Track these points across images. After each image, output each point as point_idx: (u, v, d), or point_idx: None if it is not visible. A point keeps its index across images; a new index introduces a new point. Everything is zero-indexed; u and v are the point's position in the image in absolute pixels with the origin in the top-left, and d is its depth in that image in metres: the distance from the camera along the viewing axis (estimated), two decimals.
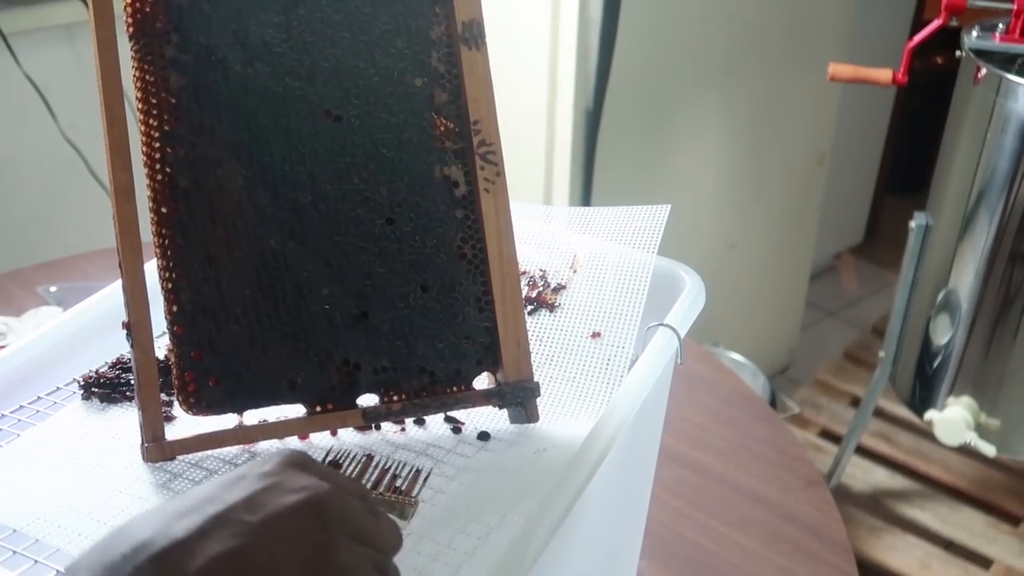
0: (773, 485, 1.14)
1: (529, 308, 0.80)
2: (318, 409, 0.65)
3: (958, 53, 1.72)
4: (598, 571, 0.80)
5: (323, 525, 0.45)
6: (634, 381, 0.69)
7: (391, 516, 0.51)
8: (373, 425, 0.69)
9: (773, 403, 2.24)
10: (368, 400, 0.66)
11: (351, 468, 0.64)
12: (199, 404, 0.63)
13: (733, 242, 2.33)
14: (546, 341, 0.78)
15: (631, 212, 0.84)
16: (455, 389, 0.68)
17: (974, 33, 1.71)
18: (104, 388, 0.71)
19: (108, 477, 0.63)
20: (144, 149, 0.62)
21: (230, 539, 0.42)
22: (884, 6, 2.77)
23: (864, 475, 2.30)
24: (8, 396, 0.70)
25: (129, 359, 0.70)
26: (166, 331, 0.63)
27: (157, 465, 0.64)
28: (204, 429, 0.64)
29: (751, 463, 1.18)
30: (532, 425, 0.70)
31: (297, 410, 0.66)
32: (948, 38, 1.81)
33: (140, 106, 0.61)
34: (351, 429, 0.68)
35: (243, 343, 0.63)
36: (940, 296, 1.86)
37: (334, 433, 0.68)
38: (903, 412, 2.29)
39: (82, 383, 0.72)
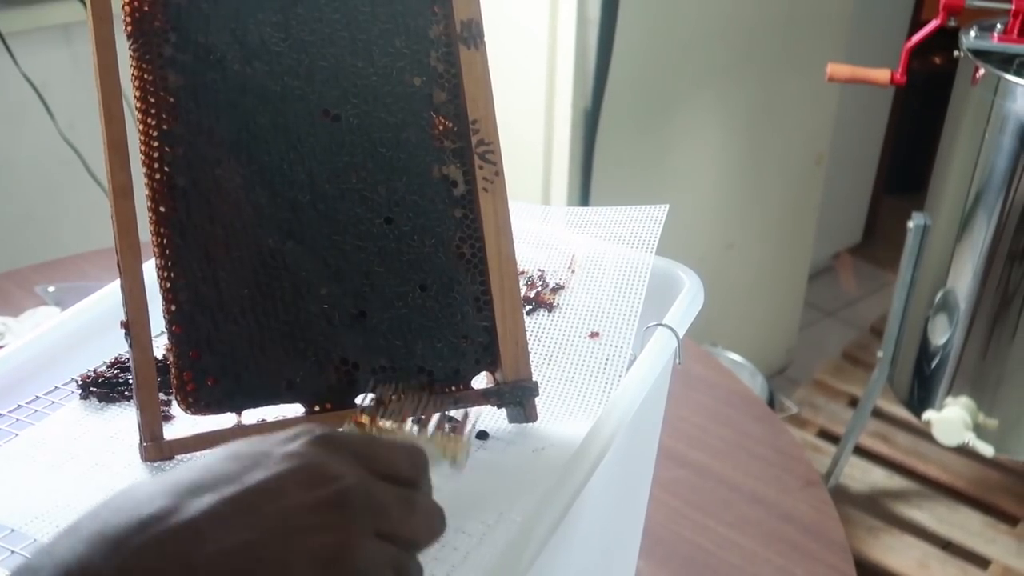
0: (771, 485, 1.14)
1: (527, 308, 0.80)
2: (317, 409, 0.65)
3: (956, 53, 1.72)
4: (596, 570, 0.80)
5: (346, 522, 0.41)
6: (632, 381, 0.69)
7: (442, 466, 0.50)
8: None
9: (771, 403, 2.24)
10: (366, 400, 0.66)
11: (396, 406, 0.62)
12: (197, 404, 0.63)
13: (731, 242, 2.33)
14: (544, 341, 0.78)
15: (629, 212, 0.84)
16: (454, 388, 0.68)
17: (972, 33, 1.71)
18: (102, 388, 0.71)
19: (106, 477, 0.63)
20: (142, 148, 0.61)
21: (245, 530, 0.39)
22: (882, 6, 2.77)
23: (862, 475, 2.30)
24: (6, 396, 0.70)
25: (127, 359, 0.70)
26: (164, 331, 0.63)
27: (155, 465, 0.64)
28: (202, 429, 0.64)
29: (749, 463, 1.18)
30: (530, 424, 0.70)
31: (296, 410, 0.66)
32: (946, 38, 1.81)
33: (138, 105, 0.61)
34: None
35: (241, 343, 0.63)
36: (938, 296, 1.86)
37: None
38: (901, 412, 2.29)
39: (80, 383, 0.72)
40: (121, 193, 0.62)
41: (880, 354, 2.02)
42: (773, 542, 1.06)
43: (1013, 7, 1.64)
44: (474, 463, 0.67)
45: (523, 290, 0.82)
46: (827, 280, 3.13)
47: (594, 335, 0.77)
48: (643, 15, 1.82)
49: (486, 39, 0.67)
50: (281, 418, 0.65)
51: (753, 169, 2.28)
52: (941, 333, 1.87)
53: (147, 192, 0.62)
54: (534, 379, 0.69)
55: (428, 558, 0.58)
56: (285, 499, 0.40)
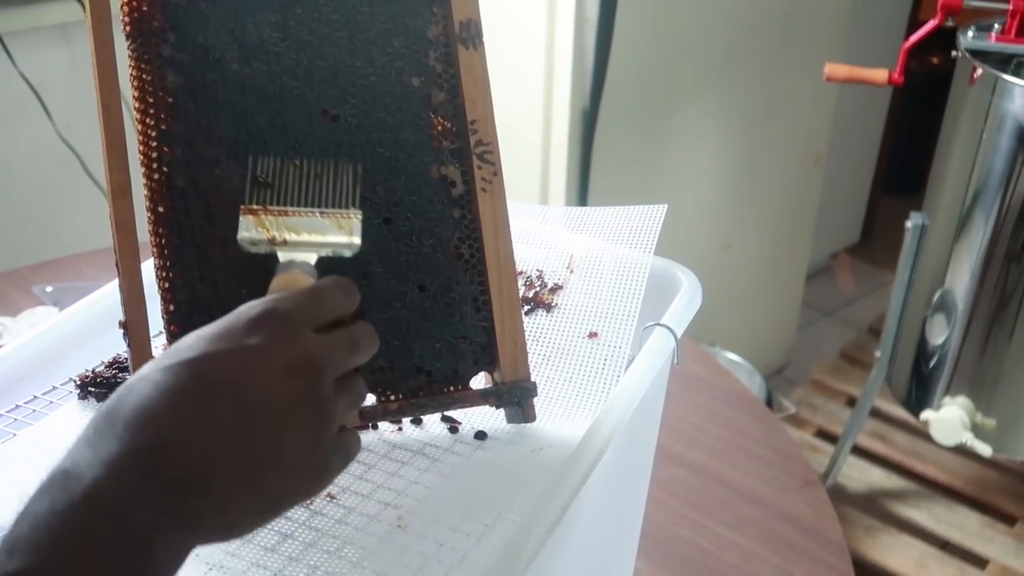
0: (769, 485, 1.15)
1: (526, 308, 0.80)
2: None
3: (954, 53, 1.72)
4: (595, 570, 0.80)
5: (314, 380, 0.51)
6: (631, 381, 0.69)
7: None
8: (370, 424, 0.69)
9: (769, 403, 2.25)
10: (365, 400, 0.66)
11: (284, 187, 0.61)
12: None
13: (729, 242, 2.33)
14: (543, 341, 0.78)
15: (628, 212, 0.84)
16: (452, 389, 0.68)
17: (970, 33, 1.71)
18: (101, 388, 0.71)
19: None
20: (141, 148, 0.61)
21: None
22: (880, 6, 2.77)
23: (860, 475, 2.30)
24: (4, 396, 0.70)
25: (126, 359, 0.70)
26: (163, 331, 0.63)
27: None
28: None
29: (747, 463, 1.18)
30: (529, 425, 0.70)
31: None
32: (944, 38, 1.81)
33: (137, 105, 0.61)
34: None
35: None
36: (936, 296, 1.86)
37: None
38: (899, 412, 2.30)
39: (79, 383, 0.72)
40: (119, 193, 0.62)
41: (878, 354, 2.02)
42: (771, 542, 1.06)
43: (1011, 7, 1.64)
44: (472, 463, 0.67)
45: (521, 290, 0.82)
46: (825, 280, 3.13)
47: (592, 335, 0.77)
48: (641, 15, 1.82)
49: (484, 38, 0.67)
50: None
51: (751, 169, 2.28)
52: (939, 333, 1.87)
53: (145, 192, 0.62)
54: (532, 379, 0.69)
55: (426, 558, 0.58)
56: (266, 366, 0.49)
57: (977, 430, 1.87)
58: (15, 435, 0.67)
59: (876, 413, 2.41)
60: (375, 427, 0.70)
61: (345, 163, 0.62)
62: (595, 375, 0.74)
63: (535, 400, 0.69)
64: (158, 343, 0.67)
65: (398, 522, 0.61)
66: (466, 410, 0.71)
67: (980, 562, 2.09)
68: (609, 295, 0.79)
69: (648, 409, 0.79)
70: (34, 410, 0.70)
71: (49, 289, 1.40)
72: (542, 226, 0.86)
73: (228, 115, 0.62)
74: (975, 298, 1.79)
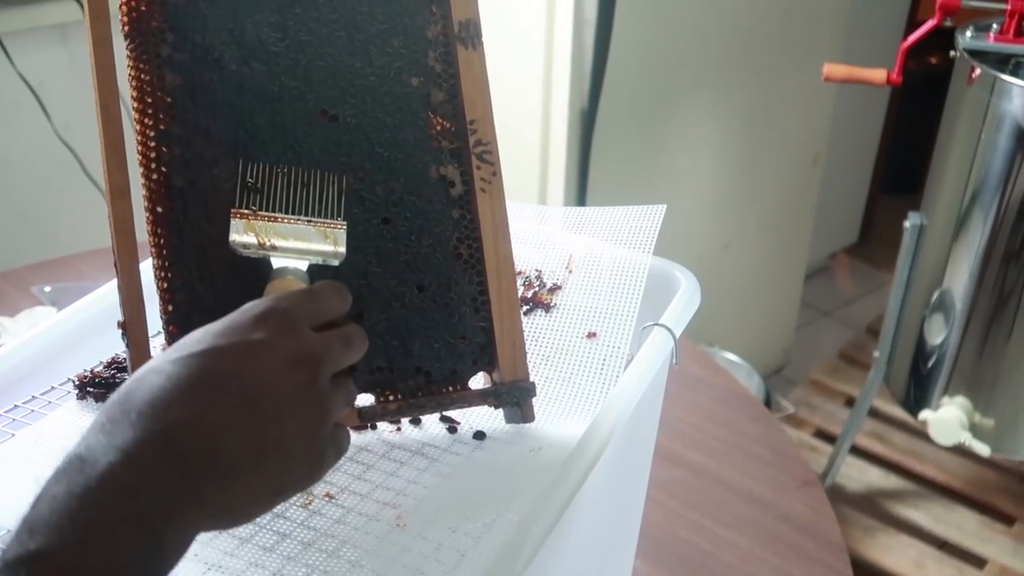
0: (768, 485, 1.15)
1: (525, 308, 0.80)
2: None
3: (952, 53, 1.72)
4: (593, 571, 0.80)
5: (313, 376, 0.54)
6: (629, 381, 0.69)
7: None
8: (369, 425, 0.69)
9: (768, 403, 2.25)
10: (364, 400, 0.66)
11: (273, 193, 0.63)
12: None
13: (728, 242, 2.33)
14: (542, 341, 0.78)
15: (627, 212, 0.83)
16: (451, 389, 0.68)
17: (968, 33, 1.71)
18: (99, 388, 0.71)
19: None
20: (139, 148, 0.61)
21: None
22: (879, 6, 2.78)
23: (859, 475, 2.30)
24: (3, 396, 0.70)
25: (124, 359, 0.70)
26: (161, 331, 0.63)
27: None
28: None
29: (746, 463, 1.18)
30: (528, 425, 0.70)
31: None
32: (942, 38, 1.81)
33: (135, 105, 0.61)
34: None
35: None
36: (934, 296, 1.86)
37: None
38: (898, 412, 2.30)
39: (77, 383, 0.72)
40: (118, 193, 0.62)
41: (876, 354, 2.02)
42: (770, 542, 1.06)
43: (1009, 7, 1.65)
44: (471, 463, 0.67)
45: (520, 290, 0.82)
46: (824, 280, 3.13)
47: (591, 335, 0.77)
48: (640, 15, 1.82)
49: (483, 38, 0.67)
50: None
51: (750, 169, 2.28)
52: (937, 333, 1.88)
53: (144, 192, 0.62)
54: (531, 379, 0.69)
55: (424, 558, 0.58)
56: (271, 356, 0.52)
57: (975, 430, 1.87)
58: (13, 435, 0.67)
59: (874, 413, 2.41)
60: (374, 427, 0.70)
61: (332, 174, 0.63)
62: (594, 375, 0.74)
63: (534, 400, 0.69)
64: (157, 343, 0.67)
65: (397, 522, 0.61)
66: (465, 410, 0.71)
67: (979, 562, 2.09)
68: (608, 295, 0.79)
69: (647, 409, 0.79)
70: (32, 410, 0.70)
71: (48, 289, 1.40)
72: (541, 226, 0.86)
73: (227, 115, 0.62)
74: (973, 298, 1.79)
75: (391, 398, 0.66)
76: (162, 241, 0.62)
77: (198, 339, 0.51)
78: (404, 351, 0.67)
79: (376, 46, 0.65)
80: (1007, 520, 2.19)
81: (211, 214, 0.62)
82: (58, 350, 0.74)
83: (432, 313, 0.67)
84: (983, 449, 1.86)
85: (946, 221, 1.81)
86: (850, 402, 2.51)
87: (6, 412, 0.69)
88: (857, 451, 2.34)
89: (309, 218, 0.62)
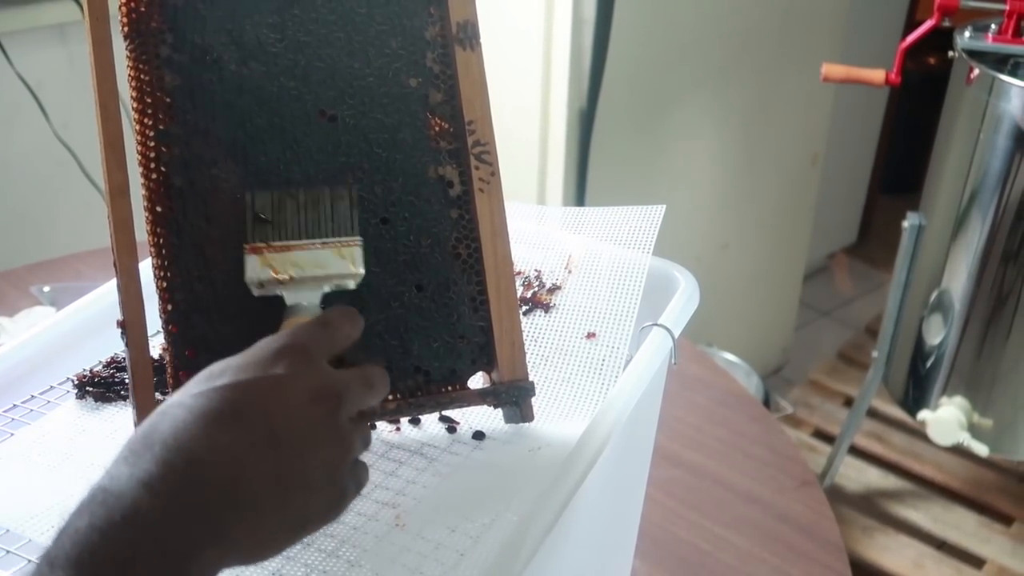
0: (767, 485, 1.15)
1: (524, 308, 0.81)
2: None
3: (951, 53, 1.73)
4: (592, 570, 0.80)
5: (334, 412, 0.54)
6: (628, 381, 0.69)
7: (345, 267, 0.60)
8: (368, 424, 0.69)
9: (767, 403, 2.25)
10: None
11: (284, 221, 0.62)
12: None
13: (727, 242, 2.33)
14: (541, 341, 0.78)
15: (626, 212, 0.84)
16: (450, 388, 0.68)
17: (967, 34, 1.71)
18: (98, 387, 0.71)
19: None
20: (139, 148, 0.61)
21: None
22: (877, 7, 2.78)
23: (857, 475, 2.30)
24: (2, 395, 0.70)
25: (123, 358, 0.70)
26: (160, 330, 0.63)
27: None
28: None
29: (745, 463, 1.18)
30: (527, 424, 0.70)
31: None
32: (941, 39, 1.81)
33: (135, 105, 0.61)
34: None
35: (238, 342, 0.63)
36: (933, 296, 1.86)
37: None
38: (896, 412, 2.30)
39: (76, 382, 0.72)
40: (118, 193, 0.62)
41: (875, 354, 2.02)
42: (769, 542, 1.07)
43: (1007, 7, 1.65)
44: (470, 463, 0.67)
45: (520, 291, 0.82)
46: (822, 280, 3.14)
47: (591, 335, 0.77)
48: (638, 15, 1.82)
49: (482, 38, 0.67)
50: None
51: (748, 169, 2.29)
52: (936, 333, 1.88)
53: (143, 192, 0.62)
54: (530, 379, 0.69)
55: (423, 557, 0.59)
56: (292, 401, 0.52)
57: (974, 430, 1.87)
58: (13, 435, 0.67)
59: (873, 413, 2.42)
60: (373, 427, 0.70)
61: (340, 188, 0.63)
62: (593, 375, 0.75)
63: (533, 400, 0.70)
64: (156, 343, 0.67)
65: (396, 521, 0.61)
66: (464, 410, 0.71)
67: (977, 562, 2.09)
68: (607, 295, 0.79)
69: (646, 409, 0.79)
70: (31, 410, 0.70)
71: (47, 289, 1.40)
72: (540, 226, 0.86)
73: (226, 115, 0.62)
74: (972, 298, 1.79)
75: (390, 397, 0.66)
76: (161, 241, 0.62)
77: (220, 373, 0.51)
78: (403, 350, 0.67)
79: (374, 47, 0.65)
80: (1006, 520, 2.19)
81: (210, 214, 0.62)
82: (57, 350, 0.74)
83: (431, 313, 0.67)
84: (981, 449, 1.86)
85: (945, 221, 1.81)
86: (849, 402, 2.51)
87: (5, 412, 0.69)
88: (856, 451, 2.34)
89: (323, 240, 0.61)
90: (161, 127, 0.61)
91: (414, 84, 0.66)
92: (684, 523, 1.08)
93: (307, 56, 0.64)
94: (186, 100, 0.62)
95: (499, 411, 0.70)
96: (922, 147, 2.27)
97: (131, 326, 0.62)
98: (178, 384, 0.62)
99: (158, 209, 0.62)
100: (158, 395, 0.65)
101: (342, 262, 0.61)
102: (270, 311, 0.63)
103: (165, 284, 0.62)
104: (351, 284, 0.62)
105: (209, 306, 0.62)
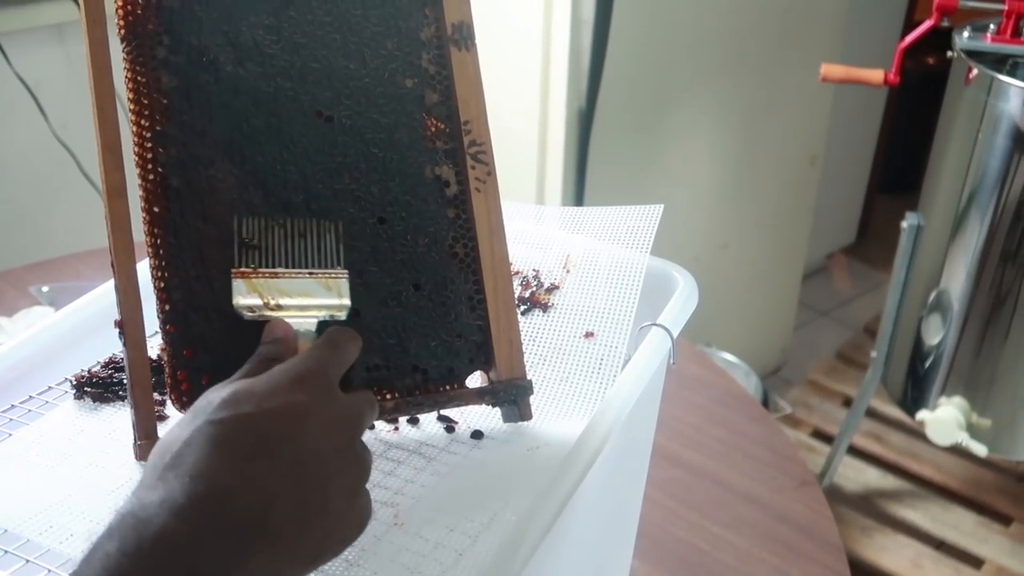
0: (766, 485, 1.15)
1: (522, 308, 0.81)
2: None
3: (949, 53, 1.73)
4: (591, 570, 0.80)
5: (352, 437, 0.54)
6: (627, 381, 0.69)
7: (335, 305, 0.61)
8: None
9: (765, 403, 2.25)
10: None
11: (271, 248, 0.63)
12: (192, 402, 0.62)
13: (726, 242, 2.33)
14: (539, 341, 0.78)
15: (624, 212, 0.84)
16: (448, 387, 0.68)
17: (965, 34, 1.71)
18: (97, 387, 0.71)
19: (101, 476, 0.63)
20: (136, 149, 0.61)
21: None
22: (876, 7, 2.78)
23: (856, 475, 2.30)
24: (0, 396, 0.70)
25: (121, 358, 0.70)
26: (158, 330, 0.63)
27: None
28: None
29: (744, 463, 1.18)
30: (525, 424, 0.70)
31: None
32: (940, 39, 1.82)
33: (132, 107, 0.61)
34: None
35: (235, 341, 0.63)
36: (932, 296, 1.87)
37: None
38: (895, 412, 2.30)
39: (74, 382, 0.72)
40: (115, 193, 0.62)
41: (874, 354, 2.02)
42: (768, 542, 1.07)
43: (1006, 7, 1.65)
44: (469, 462, 0.67)
45: (518, 290, 0.82)
46: (821, 280, 3.14)
47: (589, 335, 0.77)
48: (637, 15, 1.82)
49: (481, 38, 0.67)
50: None
51: (747, 169, 2.29)
52: (935, 333, 1.88)
53: (141, 192, 0.62)
54: (528, 378, 0.69)
55: (422, 557, 0.59)
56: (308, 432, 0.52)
57: (972, 430, 1.87)
58: (11, 435, 0.67)
59: (872, 413, 2.42)
60: (371, 426, 0.70)
61: (327, 221, 0.64)
62: (591, 375, 0.75)
63: (531, 399, 0.70)
64: (154, 343, 0.67)
65: (394, 521, 0.61)
66: (463, 410, 0.71)
67: (976, 562, 2.09)
68: (605, 295, 0.79)
69: (644, 409, 0.79)
70: (30, 410, 0.70)
71: (45, 289, 1.40)
72: (538, 226, 0.86)
73: (222, 116, 0.63)
74: (971, 298, 1.79)
75: (388, 396, 0.66)
76: (159, 241, 0.62)
77: (243, 399, 0.51)
78: (401, 349, 0.67)
79: (370, 48, 0.65)
80: (1004, 520, 2.19)
81: (207, 214, 0.62)
82: (56, 350, 0.74)
83: (428, 311, 0.67)
84: (980, 449, 1.86)
85: (943, 221, 1.81)
86: (848, 402, 2.51)
87: (3, 412, 0.69)
88: (855, 451, 2.35)
89: (310, 270, 0.62)
90: (158, 128, 0.61)
91: (410, 85, 0.66)
92: (683, 523, 1.08)
93: (303, 57, 0.64)
94: (183, 101, 0.62)
95: (497, 410, 0.70)
96: (921, 147, 2.27)
97: (129, 326, 0.62)
98: (176, 384, 0.62)
99: (155, 209, 0.62)
100: (156, 395, 0.65)
101: (329, 293, 0.61)
102: None
103: (163, 284, 0.62)
104: (341, 315, 0.62)
105: (207, 306, 0.62)
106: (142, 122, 0.61)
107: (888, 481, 2.29)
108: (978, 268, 1.76)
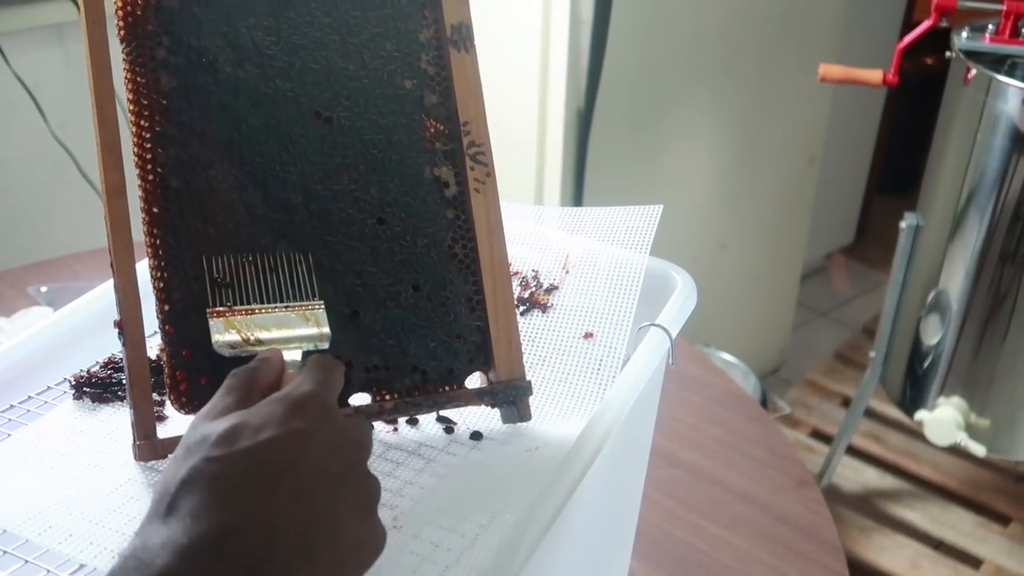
0: (764, 485, 1.15)
1: (521, 309, 0.81)
2: None
3: (948, 54, 1.73)
4: (589, 571, 0.80)
5: (355, 452, 0.54)
6: (626, 381, 0.69)
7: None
8: None
9: (764, 403, 2.25)
10: (360, 399, 0.66)
11: (244, 285, 0.62)
12: (191, 403, 0.63)
13: (724, 242, 2.33)
14: (539, 342, 0.78)
15: (623, 212, 0.84)
16: (447, 388, 0.68)
17: (964, 34, 1.72)
18: (96, 388, 0.71)
19: (100, 476, 0.63)
20: (135, 150, 0.62)
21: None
22: (874, 7, 2.78)
23: (855, 475, 2.31)
24: None
25: (120, 359, 0.70)
26: (158, 330, 0.63)
27: (149, 464, 0.64)
28: None
29: (742, 463, 1.18)
30: (524, 424, 0.70)
31: None
32: (938, 39, 1.82)
33: (131, 107, 0.61)
34: None
35: None
36: (930, 296, 1.87)
37: None
38: (894, 412, 2.30)
39: (73, 383, 0.72)
40: (114, 193, 0.62)
41: (872, 354, 2.02)
42: (766, 542, 1.07)
43: (1005, 8, 1.65)
44: (468, 463, 0.67)
45: (517, 291, 0.82)
46: (820, 280, 3.14)
47: (588, 336, 0.77)
48: (636, 16, 1.82)
49: (480, 39, 0.67)
50: None
51: (746, 169, 2.29)
52: (933, 333, 1.88)
53: (140, 193, 0.62)
54: (527, 378, 0.69)
55: (421, 558, 0.59)
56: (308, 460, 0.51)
57: (971, 430, 1.87)
58: (10, 435, 0.67)
59: (870, 413, 2.42)
60: (370, 427, 0.70)
61: (296, 253, 0.63)
62: (590, 375, 0.75)
63: (530, 400, 0.70)
64: (153, 343, 0.67)
65: (393, 522, 0.61)
66: (462, 410, 0.71)
67: (974, 562, 2.09)
68: (605, 295, 0.79)
69: (643, 409, 0.79)
70: (29, 410, 0.70)
71: (44, 289, 1.40)
72: (537, 226, 0.86)
73: (221, 117, 0.63)
74: (969, 298, 1.80)
75: (387, 397, 0.66)
76: (158, 241, 0.62)
77: (236, 434, 0.50)
78: (400, 350, 0.67)
79: (369, 49, 0.65)
80: (1003, 520, 2.19)
81: (206, 214, 0.62)
82: (54, 350, 0.74)
83: (428, 312, 0.67)
84: (979, 449, 1.86)
85: (942, 221, 1.81)
86: (846, 402, 2.51)
87: (2, 412, 0.69)
88: (853, 451, 2.35)
89: (286, 304, 0.61)
90: (157, 129, 0.62)
91: (409, 86, 0.66)
92: (682, 523, 1.08)
93: (302, 58, 0.64)
94: (182, 102, 0.62)
95: (496, 411, 0.70)
96: (919, 147, 2.27)
97: (128, 326, 0.62)
98: (175, 384, 0.62)
99: (155, 210, 0.62)
100: (155, 395, 0.65)
101: (307, 324, 0.61)
102: None
103: (162, 284, 0.62)
104: (323, 344, 0.61)
105: (206, 306, 0.62)
106: (141, 123, 0.61)
107: (887, 481, 2.30)
108: (977, 268, 1.76)
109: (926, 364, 1.91)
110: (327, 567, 0.50)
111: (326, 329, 0.61)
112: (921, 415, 1.91)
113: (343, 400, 0.66)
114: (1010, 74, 1.62)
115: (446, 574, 0.58)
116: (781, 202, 2.44)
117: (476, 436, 0.70)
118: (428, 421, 0.71)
